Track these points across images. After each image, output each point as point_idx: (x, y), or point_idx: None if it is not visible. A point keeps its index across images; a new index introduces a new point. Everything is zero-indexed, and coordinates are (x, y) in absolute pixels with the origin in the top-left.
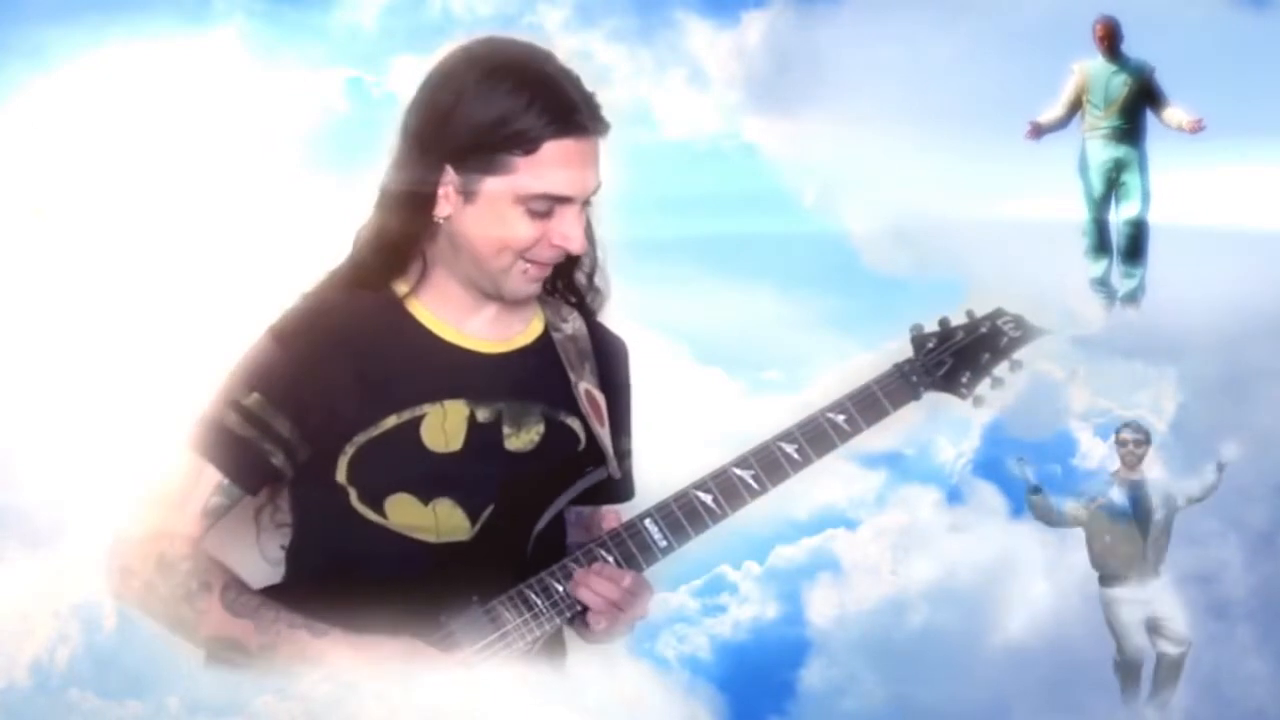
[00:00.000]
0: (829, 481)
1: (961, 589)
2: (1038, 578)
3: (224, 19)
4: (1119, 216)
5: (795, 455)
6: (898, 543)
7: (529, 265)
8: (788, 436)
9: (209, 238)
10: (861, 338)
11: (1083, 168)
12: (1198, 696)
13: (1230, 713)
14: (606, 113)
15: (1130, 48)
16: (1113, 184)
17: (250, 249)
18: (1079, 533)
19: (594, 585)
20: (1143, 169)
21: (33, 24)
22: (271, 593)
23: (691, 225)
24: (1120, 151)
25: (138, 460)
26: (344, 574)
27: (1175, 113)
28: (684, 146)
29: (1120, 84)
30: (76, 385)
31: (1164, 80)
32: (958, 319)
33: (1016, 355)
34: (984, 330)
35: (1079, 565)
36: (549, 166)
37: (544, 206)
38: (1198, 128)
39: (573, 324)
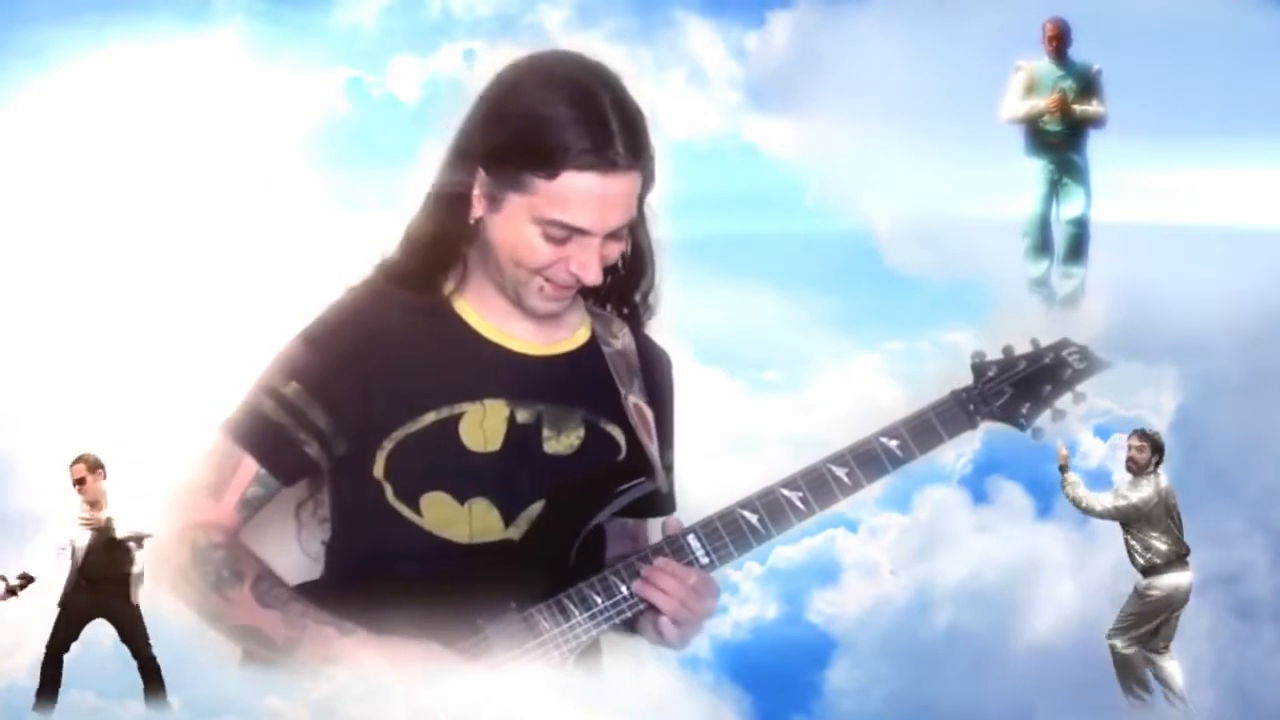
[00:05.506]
0: None
1: (987, 589)
2: (1064, 578)
3: (224, 19)
4: (1061, 216)
5: (845, 478)
6: (899, 542)
7: (545, 284)
8: (839, 459)
9: (209, 237)
10: (861, 337)
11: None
12: (1223, 696)
13: (1255, 712)
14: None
15: (1142, 47)
16: (1055, 184)
17: (250, 248)
18: (1102, 532)
19: (660, 582)
20: (1084, 170)
21: (33, 24)
22: (307, 589)
23: (692, 225)
24: (1062, 152)
25: (138, 460)
26: (378, 572)
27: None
28: (684, 146)
29: (1065, 87)
30: (76, 387)
31: (1174, 78)
32: (1022, 347)
33: (1080, 388)
34: (1048, 360)
35: (1104, 565)
36: (566, 196)
37: (560, 233)
38: (1053, 104)
39: (623, 339)
